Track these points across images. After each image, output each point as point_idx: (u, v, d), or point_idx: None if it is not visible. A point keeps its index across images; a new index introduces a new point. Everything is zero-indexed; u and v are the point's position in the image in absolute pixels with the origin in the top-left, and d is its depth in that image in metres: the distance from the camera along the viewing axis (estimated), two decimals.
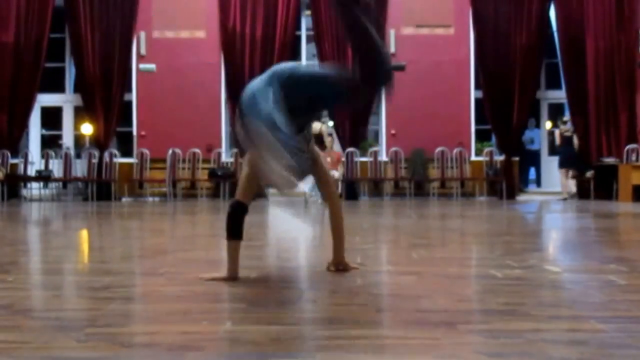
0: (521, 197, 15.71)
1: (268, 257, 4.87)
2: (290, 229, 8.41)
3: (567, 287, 3.82)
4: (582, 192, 15.32)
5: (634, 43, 15.38)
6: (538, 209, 12.06)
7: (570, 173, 15.37)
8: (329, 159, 14.01)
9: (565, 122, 15.59)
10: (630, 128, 15.32)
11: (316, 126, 14.17)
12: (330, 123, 13.58)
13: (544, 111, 16.94)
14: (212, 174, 15.25)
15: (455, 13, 15.77)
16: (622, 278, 3.87)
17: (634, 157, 14.86)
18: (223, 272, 3.83)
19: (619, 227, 8.37)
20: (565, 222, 9.26)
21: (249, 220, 3.95)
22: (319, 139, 13.56)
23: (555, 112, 17.05)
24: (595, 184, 15.00)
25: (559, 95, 16.44)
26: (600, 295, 3.39)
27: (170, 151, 15.42)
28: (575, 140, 15.43)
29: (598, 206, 12.35)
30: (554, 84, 16.66)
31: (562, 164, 15.41)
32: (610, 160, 14.87)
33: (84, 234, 7.63)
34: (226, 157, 15.79)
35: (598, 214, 10.38)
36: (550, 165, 16.59)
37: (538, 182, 17.67)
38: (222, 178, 15.21)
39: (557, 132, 15.63)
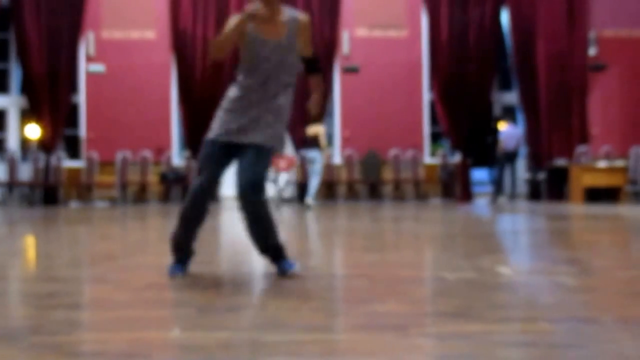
0: (476, 200, 15.83)
1: (219, 261, 4.81)
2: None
3: (518, 288, 3.84)
4: (534, 194, 15.51)
5: (584, 46, 15.61)
6: (491, 211, 12.16)
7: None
8: (282, 163, 13.95)
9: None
10: (582, 130, 15.54)
11: (316, 129, 14.13)
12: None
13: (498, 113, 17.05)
14: (164, 177, 15.06)
15: (408, 14, 15.82)
16: (572, 279, 3.92)
17: (584, 159, 15.07)
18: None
19: (570, 229, 8.47)
20: (518, 223, 9.36)
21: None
22: (317, 139, 13.55)
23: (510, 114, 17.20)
24: (547, 185, 15.19)
25: (513, 97, 16.53)
26: (551, 297, 3.42)
27: (119, 154, 15.19)
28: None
29: (549, 208, 12.50)
30: (508, 86, 16.77)
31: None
32: (561, 162, 15.06)
33: (30, 240, 7.46)
34: (177, 161, 15.60)
35: (549, 216, 10.50)
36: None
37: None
38: (173, 182, 15.05)
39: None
